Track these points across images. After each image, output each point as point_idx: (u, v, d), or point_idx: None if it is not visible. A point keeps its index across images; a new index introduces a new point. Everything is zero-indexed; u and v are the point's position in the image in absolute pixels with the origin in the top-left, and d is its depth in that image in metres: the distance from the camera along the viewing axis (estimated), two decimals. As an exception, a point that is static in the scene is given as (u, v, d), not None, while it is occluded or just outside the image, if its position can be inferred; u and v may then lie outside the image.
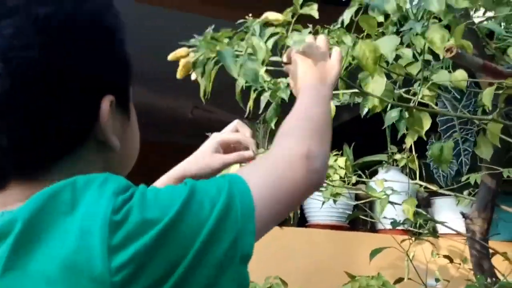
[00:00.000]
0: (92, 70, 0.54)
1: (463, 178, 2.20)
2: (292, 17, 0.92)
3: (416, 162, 1.80)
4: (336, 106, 2.17)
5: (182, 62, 0.82)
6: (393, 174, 2.41)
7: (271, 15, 0.88)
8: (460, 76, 1.34)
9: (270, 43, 0.87)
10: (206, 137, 0.86)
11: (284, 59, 0.83)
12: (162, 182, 0.84)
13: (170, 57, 0.82)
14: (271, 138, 2.63)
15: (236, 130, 0.85)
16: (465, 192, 1.95)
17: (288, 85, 1.17)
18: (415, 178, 2.14)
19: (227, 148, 0.85)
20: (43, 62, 0.51)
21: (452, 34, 1.46)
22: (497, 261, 1.59)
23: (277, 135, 0.66)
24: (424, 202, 2.50)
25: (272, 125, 1.24)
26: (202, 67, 0.82)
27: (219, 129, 0.86)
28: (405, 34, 1.14)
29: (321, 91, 0.74)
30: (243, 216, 0.51)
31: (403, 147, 2.26)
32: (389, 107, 1.31)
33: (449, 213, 2.39)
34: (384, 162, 2.48)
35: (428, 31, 1.06)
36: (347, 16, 1.03)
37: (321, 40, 0.80)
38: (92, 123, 0.54)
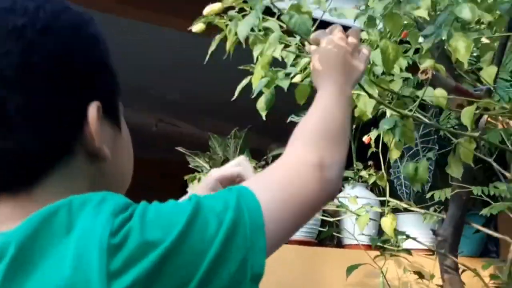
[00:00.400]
0: (76, 75, 0.52)
1: (428, 195, 2.27)
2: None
3: (385, 179, 1.84)
4: (294, 124, 2.19)
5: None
6: (359, 191, 2.45)
7: None
8: (440, 94, 1.38)
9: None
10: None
11: (312, 37, 0.76)
12: None
13: (206, 11, 0.78)
14: (241, 153, 2.61)
15: (238, 165, 0.81)
16: (431, 209, 2.01)
17: (286, 75, 1.14)
18: (380, 195, 2.18)
19: (227, 184, 0.80)
20: (25, 66, 0.49)
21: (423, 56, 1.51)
22: (465, 277, 1.63)
23: (293, 136, 0.62)
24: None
25: (263, 116, 1.19)
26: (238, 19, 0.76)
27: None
28: (424, 42, 1.14)
29: (345, 91, 0.69)
30: (253, 232, 0.48)
31: (369, 164, 2.32)
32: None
33: (412, 229, 2.45)
34: (350, 178, 2.52)
35: (452, 39, 1.05)
36: (378, 8, 0.98)
37: (355, 32, 0.75)
38: (78, 130, 0.52)
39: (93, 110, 0.52)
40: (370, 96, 1.22)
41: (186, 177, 1.65)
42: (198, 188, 0.82)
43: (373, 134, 1.61)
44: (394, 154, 1.37)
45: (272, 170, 0.58)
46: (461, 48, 1.09)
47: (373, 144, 1.74)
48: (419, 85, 1.58)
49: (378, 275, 2.07)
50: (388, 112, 1.42)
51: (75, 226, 0.44)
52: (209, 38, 1.04)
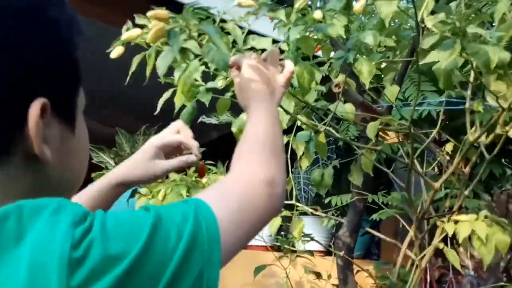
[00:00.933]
0: (19, 65, 0.46)
1: (326, 200, 2.42)
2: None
3: (292, 183, 1.92)
4: (204, 124, 2.21)
5: (158, 26, 0.72)
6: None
7: (244, 1, 0.85)
8: (349, 109, 1.49)
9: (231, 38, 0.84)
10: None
11: (231, 61, 0.78)
12: (98, 188, 0.76)
13: (150, 14, 0.73)
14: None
15: (177, 132, 0.80)
16: (330, 213, 2.15)
17: (208, 90, 1.15)
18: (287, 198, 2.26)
19: (168, 151, 0.80)
20: None
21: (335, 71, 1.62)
22: (358, 278, 1.77)
23: (239, 155, 0.64)
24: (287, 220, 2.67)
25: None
26: (176, 39, 0.74)
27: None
28: (334, 62, 1.23)
29: (272, 108, 0.73)
30: (209, 245, 0.48)
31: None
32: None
33: (310, 231, 2.59)
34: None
35: (357, 62, 1.14)
36: (293, 34, 1.05)
37: (274, 52, 0.78)
38: (17, 130, 0.46)
39: (35, 108, 0.46)
40: (286, 112, 1.29)
41: (93, 175, 1.56)
42: (135, 157, 0.79)
43: (283, 139, 1.68)
44: (304, 163, 1.45)
45: (226, 184, 0.59)
46: (365, 71, 1.22)
47: (313, 149, 1.80)
48: (328, 97, 1.68)
49: (275, 275, 2.15)
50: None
51: (27, 235, 0.40)
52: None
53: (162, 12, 0.71)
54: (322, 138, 1.34)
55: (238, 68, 0.77)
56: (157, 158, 0.79)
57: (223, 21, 0.84)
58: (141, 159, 0.78)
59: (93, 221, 0.42)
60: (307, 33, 1.06)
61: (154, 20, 0.72)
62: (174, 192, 1.50)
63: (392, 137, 2.11)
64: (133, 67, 0.97)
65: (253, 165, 0.62)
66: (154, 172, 0.78)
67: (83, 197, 0.76)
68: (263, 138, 0.67)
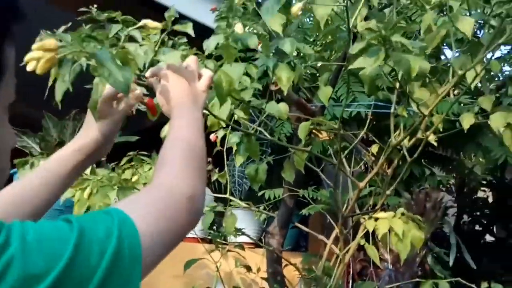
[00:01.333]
0: None
1: (260, 194, 2.47)
2: (162, 31, 0.90)
3: (227, 177, 1.93)
4: (138, 111, 2.17)
5: (47, 56, 0.71)
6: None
7: (150, 23, 0.85)
8: (283, 108, 1.52)
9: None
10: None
11: (148, 73, 0.80)
12: (58, 157, 0.75)
13: (35, 46, 0.70)
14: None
15: None
16: (262, 207, 2.19)
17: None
18: (216, 191, 2.27)
19: (114, 100, 0.80)
20: None
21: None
22: (287, 270, 1.83)
23: (162, 162, 0.64)
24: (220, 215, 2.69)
25: None
26: (70, 67, 0.72)
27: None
28: (260, 67, 1.24)
29: (196, 114, 0.74)
30: (131, 261, 0.49)
31: (208, 160, 2.41)
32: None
33: (242, 224, 2.62)
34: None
35: (277, 69, 1.17)
36: (212, 43, 1.06)
37: (192, 60, 0.80)
38: None
39: None
40: (215, 116, 1.27)
41: (16, 161, 1.48)
42: (85, 121, 0.79)
43: (220, 133, 1.69)
44: (239, 159, 1.47)
45: (150, 197, 0.58)
46: (284, 78, 1.25)
47: (218, 143, 1.81)
48: (260, 95, 1.71)
49: (206, 267, 2.16)
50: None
51: None
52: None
53: (50, 42, 0.69)
54: (253, 141, 1.36)
55: (157, 79, 0.78)
56: (110, 108, 0.79)
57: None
58: (91, 119, 0.78)
59: (9, 235, 0.41)
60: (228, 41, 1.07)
61: (41, 51, 0.69)
62: (100, 193, 1.45)
63: (325, 135, 2.18)
64: (50, 81, 0.91)
65: (176, 177, 0.62)
66: (108, 126, 0.78)
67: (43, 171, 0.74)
68: (186, 146, 0.67)
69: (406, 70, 0.95)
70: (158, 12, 0.96)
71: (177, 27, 0.91)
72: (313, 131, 1.93)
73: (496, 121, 1.26)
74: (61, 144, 2.27)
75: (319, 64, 1.83)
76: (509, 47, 2.45)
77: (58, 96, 0.75)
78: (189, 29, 0.91)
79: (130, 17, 0.97)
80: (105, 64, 0.69)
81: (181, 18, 0.93)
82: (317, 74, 2.14)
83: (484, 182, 3.10)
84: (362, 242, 1.45)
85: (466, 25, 1.12)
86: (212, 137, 1.81)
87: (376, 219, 1.34)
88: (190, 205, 0.59)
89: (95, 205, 1.64)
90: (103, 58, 0.70)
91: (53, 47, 0.71)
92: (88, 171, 1.68)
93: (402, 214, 1.35)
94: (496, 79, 2.13)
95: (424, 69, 0.98)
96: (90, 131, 0.79)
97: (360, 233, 1.39)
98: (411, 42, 0.98)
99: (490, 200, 3.29)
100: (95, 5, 0.92)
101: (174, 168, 0.63)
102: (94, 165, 1.73)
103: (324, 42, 1.97)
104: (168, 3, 2.45)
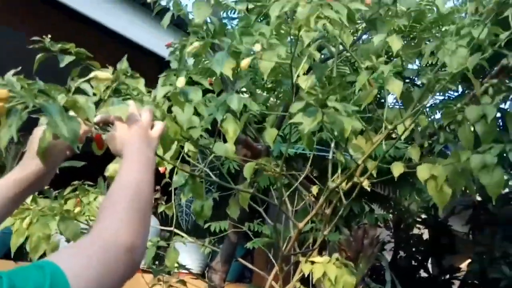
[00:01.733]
0: None
1: (205, 226, 2.50)
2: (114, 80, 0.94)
3: (173, 209, 1.96)
4: (87, 137, 2.16)
5: None
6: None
7: (101, 74, 0.88)
8: (230, 148, 1.59)
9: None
10: None
11: (97, 119, 0.82)
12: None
13: None
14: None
15: None
16: (207, 240, 2.22)
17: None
18: (163, 222, 2.29)
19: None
20: None
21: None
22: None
23: (106, 205, 0.64)
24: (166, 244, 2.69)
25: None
26: (18, 118, 0.74)
27: None
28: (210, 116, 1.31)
29: (149, 154, 0.75)
30: None
31: (156, 189, 2.42)
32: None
33: (186, 254, 2.64)
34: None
35: (224, 122, 1.24)
36: (160, 93, 1.12)
37: (148, 110, 0.82)
38: None
39: None
40: (161, 158, 1.32)
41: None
42: (28, 150, 0.78)
43: (169, 165, 1.73)
44: (184, 198, 1.51)
45: (88, 248, 0.59)
46: (230, 131, 1.33)
47: (167, 175, 1.85)
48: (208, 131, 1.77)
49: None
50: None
51: None
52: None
53: (1, 92, 0.71)
54: (198, 183, 1.42)
55: (107, 124, 0.79)
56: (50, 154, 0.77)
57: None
58: (33, 151, 0.77)
59: None
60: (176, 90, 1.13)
61: None
62: (40, 223, 1.44)
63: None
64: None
65: (118, 222, 0.62)
66: (51, 160, 0.77)
67: None
68: (133, 190, 0.68)
69: (341, 131, 1.05)
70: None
71: (129, 81, 0.96)
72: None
73: (422, 172, 1.39)
74: (2, 168, 2.21)
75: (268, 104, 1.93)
76: (441, 97, 2.67)
77: (3, 143, 0.73)
78: (140, 85, 0.96)
79: (83, 49, 1.00)
80: (54, 118, 0.72)
81: (146, 54, 0.97)
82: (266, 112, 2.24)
83: (419, 219, 3.28)
84: (297, 286, 1.51)
85: (395, 86, 1.24)
86: (161, 169, 1.84)
87: (313, 263, 1.42)
88: (128, 257, 0.60)
89: (34, 234, 1.61)
90: (53, 112, 0.72)
91: (4, 96, 0.72)
92: (28, 200, 1.65)
93: (337, 259, 1.43)
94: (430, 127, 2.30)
95: (356, 128, 1.08)
96: (31, 163, 0.78)
97: (297, 276, 1.46)
98: (344, 105, 1.08)
99: (425, 237, 3.48)
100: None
101: (118, 213, 0.63)
102: (36, 193, 1.71)
103: (272, 84, 2.08)
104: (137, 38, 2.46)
